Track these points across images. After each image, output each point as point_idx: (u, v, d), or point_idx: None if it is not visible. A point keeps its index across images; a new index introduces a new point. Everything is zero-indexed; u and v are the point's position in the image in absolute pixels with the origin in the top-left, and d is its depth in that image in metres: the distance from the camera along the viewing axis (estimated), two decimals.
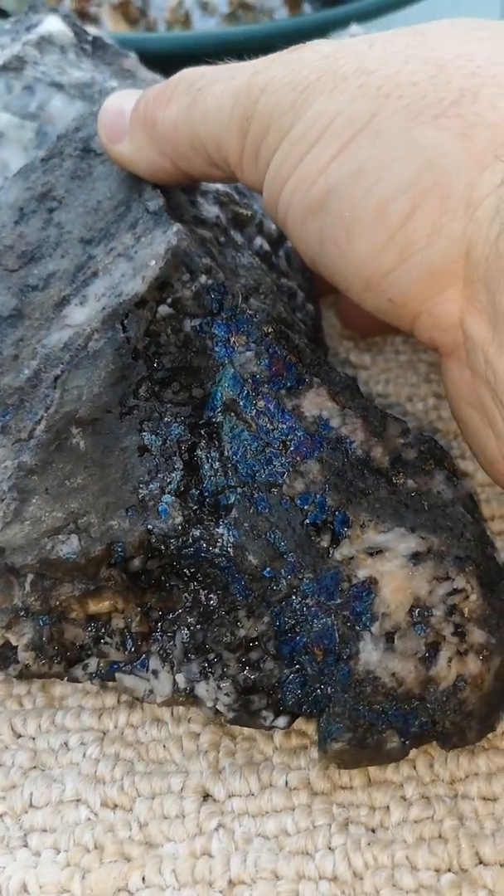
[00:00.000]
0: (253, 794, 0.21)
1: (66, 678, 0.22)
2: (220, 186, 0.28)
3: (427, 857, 0.20)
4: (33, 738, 0.23)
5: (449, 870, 0.20)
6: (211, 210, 0.27)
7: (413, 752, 0.22)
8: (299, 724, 0.23)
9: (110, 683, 0.22)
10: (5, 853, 0.21)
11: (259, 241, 0.30)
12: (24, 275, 0.26)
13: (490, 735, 0.22)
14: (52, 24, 0.37)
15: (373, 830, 0.21)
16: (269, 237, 0.31)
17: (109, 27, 0.49)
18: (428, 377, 0.34)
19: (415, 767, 0.22)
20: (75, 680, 0.22)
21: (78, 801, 0.22)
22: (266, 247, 0.30)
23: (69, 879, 0.20)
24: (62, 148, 0.29)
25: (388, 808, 0.21)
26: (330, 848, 0.20)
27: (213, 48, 0.45)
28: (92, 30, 0.39)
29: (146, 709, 0.23)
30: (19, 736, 0.23)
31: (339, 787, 0.22)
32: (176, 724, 0.23)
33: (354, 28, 0.40)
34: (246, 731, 0.23)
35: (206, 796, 0.22)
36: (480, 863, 0.20)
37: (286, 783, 0.22)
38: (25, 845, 0.21)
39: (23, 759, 0.22)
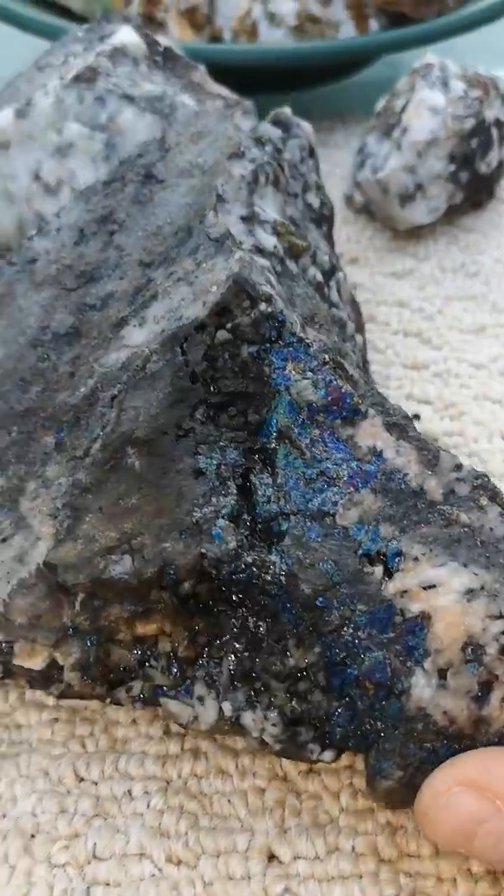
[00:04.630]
0: (319, 858, 0.21)
1: (108, 700, 0.22)
2: (276, 216, 0.28)
3: None
4: (96, 784, 0.23)
5: None
6: (269, 240, 0.27)
7: None
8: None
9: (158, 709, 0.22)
10: None
11: (313, 271, 0.30)
12: (82, 294, 0.26)
13: None
14: (126, 36, 0.37)
15: None
16: (321, 268, 0.31)
17: (175, 33, 0.48)
18: (495, 414, 0.33)
19: None
20: (117, 702, 0.22)
21: (142, 854, 0.21)
22: (319, 277, 0.30)
23: None
24: (124, 173, 0.30)
25: (454, 880, 0.21)
26: None
27: (282, 63, 0.44)
28: (163, 40, 0.38)
29: (210, 758, 0.23)
30: (82, 780, 0.23)
31: (407, 854, 0.21)
32: (241, 777, 0.23)
33: (430, 56, 0.39)
34: (312, 788, 0.22)
35: (272, 857, 0.21)
36: None
37: (353, 848, 0.21)
38: None
39: (86, 806, 0.22)
